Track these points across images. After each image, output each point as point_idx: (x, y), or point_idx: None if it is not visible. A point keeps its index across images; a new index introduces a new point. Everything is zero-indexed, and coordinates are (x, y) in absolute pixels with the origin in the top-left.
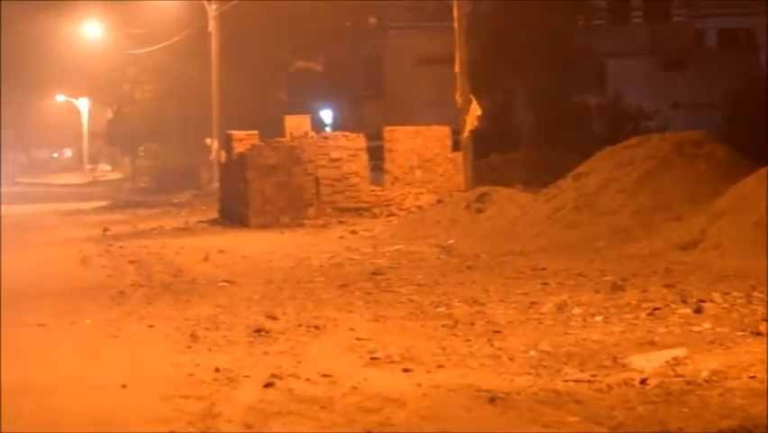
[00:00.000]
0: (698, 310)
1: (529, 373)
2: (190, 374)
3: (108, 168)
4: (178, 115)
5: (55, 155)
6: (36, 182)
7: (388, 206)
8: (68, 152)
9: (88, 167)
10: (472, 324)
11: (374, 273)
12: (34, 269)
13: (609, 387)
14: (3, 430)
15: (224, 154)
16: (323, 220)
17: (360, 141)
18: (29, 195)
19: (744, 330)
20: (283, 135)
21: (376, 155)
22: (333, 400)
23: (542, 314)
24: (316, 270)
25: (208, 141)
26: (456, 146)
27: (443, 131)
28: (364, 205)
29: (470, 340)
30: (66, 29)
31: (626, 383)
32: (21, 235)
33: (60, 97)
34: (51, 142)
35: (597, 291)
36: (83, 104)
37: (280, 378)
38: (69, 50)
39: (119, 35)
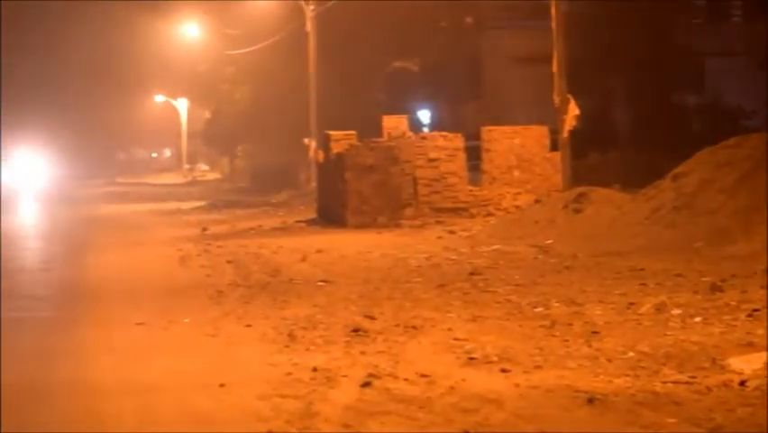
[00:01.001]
0: None
1: (627, 375)
2: (288, 374)
3: (206, 168)
4: (276, 115)
5: (154, 155)
6: (136, 182)
7: (485, 206)
8: (167, 152)
9: (187, 167)
10: (570, 324)
11: (472, 273)
12: (134, 268)
13: (708, 389)
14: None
15: (321, 154)
16: (420, 220)
17: (457, 141)
18: (129, 195)
19: None
20: (381, 135)
21: (474, 155)
22: (431, 400)
23: (640, 315)
24: (414, 270)
25: (306, 141)
26: (554, 146)
27: (540, 131)
28: (462, 205)
29: (567, 341)
30: (165, 30)
31: (725, 385)
32: (121, 235)
33: (159, 98)
34: (151, 143)
35: (696, 292)
36: (182, 104)
37: (378, 378)
38: (169, 50)
39: (217, 36)
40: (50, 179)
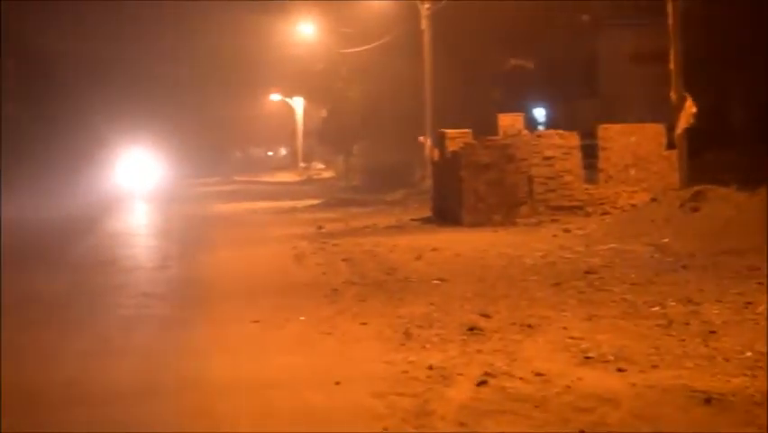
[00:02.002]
0: None
1: (745, 374)
2: (404, 372)
3: (322, 166)
4: (391, 114)
5: (270, 153)
6: (252, 180)
7: (601, 204)
8: (282, 151)
9: (302, 165)
10: (687, 324)
11: (587, 272)
12: (249, 266)
13: None
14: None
15: (436, 152)
16: (536, 219)
17: (573, 139)
18: (245, 193)
19: None
20: (496, 134)
21: (589, 153)
22: (547, 399)
23: (758, 314)
24: (529, 268)
25: (421, 139)
26: (670, 144)
27: (657, 129)
28: (577, 203)
29: (684, 340)
30: (281, 29)
31: None
32: (236, 233)
33: (275, 96)
34: (267, 141)
35: None
36: (297, 102)
37: (494, 376)
38: (285, 49)
39: (332, 35)
40: (167, 177)
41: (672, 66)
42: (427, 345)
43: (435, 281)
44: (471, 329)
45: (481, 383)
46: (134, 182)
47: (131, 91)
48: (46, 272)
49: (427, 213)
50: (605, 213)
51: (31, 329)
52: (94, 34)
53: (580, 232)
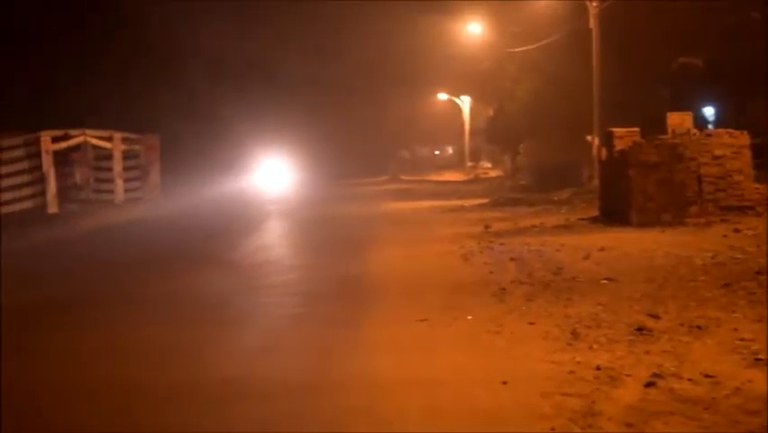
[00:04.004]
0: None
1: None
2: (571, 372)
3: (488, 165)
4: (558, 113)
5: (437, 152)
6: (419, 179)
7: None
8: (449, 150)
9: (469, 164)
10: None
11: (758, 273)
12: (417, 264)
13: None
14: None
15: (604, 152)
16: (705, 218)
17: (743, 138)
18: (412, 192)
19: None
20: (665, 132)
21: (760, 153)
22: (716, 401)
23: None
24: (699, 268)
25: (589, 138)
26: None
27: None
28: (748, 203)
29: None
30: (449, 28)
31: None
32: (404, 231)
33: (443, 96)
34: (433, 140)
35: None
36: (464, 101)
37: (662, 377)
38: (453, 48)
39: (500, 34)
40: (335, 177)
41: None
42: (595, 346)
43: (603, 281)
44: (639, 330)
45: (649, 384)
46: (300, 182)
47: (301, 91)
48: (209, 272)
49: (595, 212)
50: None
51: (192, 327)
52: (259, 35)
53: (751, 232)
